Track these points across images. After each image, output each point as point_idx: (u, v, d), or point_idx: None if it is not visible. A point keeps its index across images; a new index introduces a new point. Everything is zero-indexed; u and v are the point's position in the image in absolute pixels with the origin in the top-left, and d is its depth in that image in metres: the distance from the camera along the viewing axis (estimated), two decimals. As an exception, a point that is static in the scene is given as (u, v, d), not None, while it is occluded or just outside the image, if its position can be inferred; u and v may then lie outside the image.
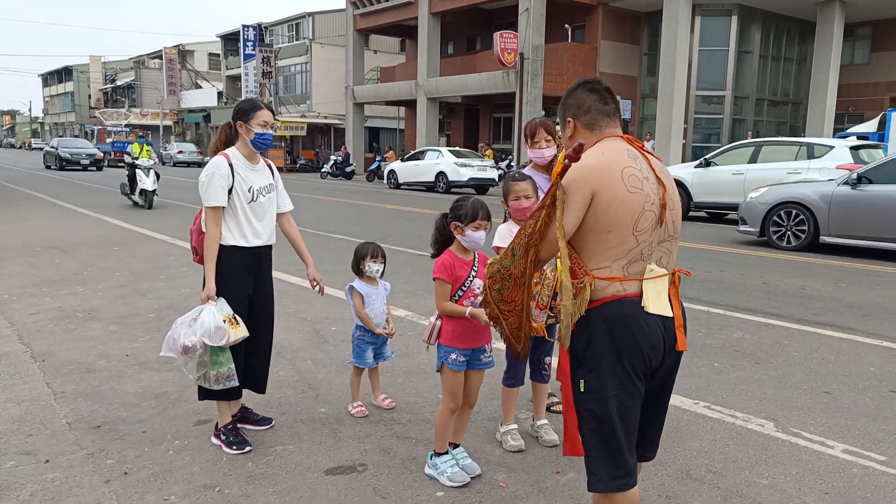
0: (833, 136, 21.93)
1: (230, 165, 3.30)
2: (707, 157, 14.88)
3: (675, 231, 2.12)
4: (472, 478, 3.07)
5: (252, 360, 3.48)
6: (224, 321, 3.18)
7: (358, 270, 3.86)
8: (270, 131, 3.41)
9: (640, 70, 29.23)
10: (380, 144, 40.67)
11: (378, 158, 30.20)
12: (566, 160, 1.95)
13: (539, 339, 3.31)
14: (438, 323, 3.08)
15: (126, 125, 48.96)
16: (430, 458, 3.13)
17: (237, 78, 46.63)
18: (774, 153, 13.61)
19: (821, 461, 3.27)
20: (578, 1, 27.03)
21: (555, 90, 26.36)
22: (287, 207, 3.67)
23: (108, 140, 43.95)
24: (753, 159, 13.71)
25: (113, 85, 62.60)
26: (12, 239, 10.04)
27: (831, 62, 25.64)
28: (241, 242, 3.35)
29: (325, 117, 39.21)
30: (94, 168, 32.93)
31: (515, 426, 3.48)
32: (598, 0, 27.27)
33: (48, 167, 33.67)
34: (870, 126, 18.16)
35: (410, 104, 33.21)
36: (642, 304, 2.02)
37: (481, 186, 22.22)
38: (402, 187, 24.01)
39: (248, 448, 3.32)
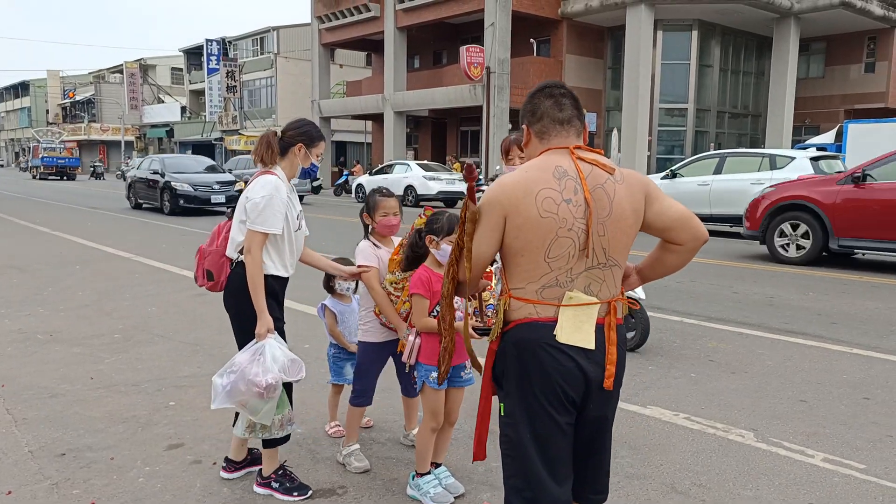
0: (791, 147, 22.49)
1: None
2: (673, 168, 15.11)
3: (607, 259, 1.96)
4: (455, 497, 3.00)
5: None
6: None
7: (329, 288, 3.78)
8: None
9: (605, 83, 29.67)
10: (347, 158, 40.51)
11: (345, 173, 30.04)
12: (466, 181, 1.97)
13: None
14: (417, 341, 3.01)
15: (60, 141, 48.03)
16: (413, 479, 3.05)
17: (201, 92, 46.11)
18: (738, 164, 13.88)
19: (802, 471, 3.28)
20: (543, 16, 27.36)
21: (521, 103, 26.35)
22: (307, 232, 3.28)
23: (40, 155, 42.56)
24: (718, 170, 13.95)
25: (72, 100, 61.34)
26: (-32, 258, 9.68)
27: (788, 76, 26.35)
28: (281, 272, 3.02)
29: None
30: (227, 207, 12.80)
31: (358, 446, 3.35)
32: (563, 15, 27.64)
33: (139, 206, 19.85)
34: (828, 137, 18.67)
35: (377, 118, 33.16)
36: (554, 333, 1.92)
37: (450, 199, 22.22)
38: (370, 201, 23.88)
39: (310, 492, 3.02)
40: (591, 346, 1.94)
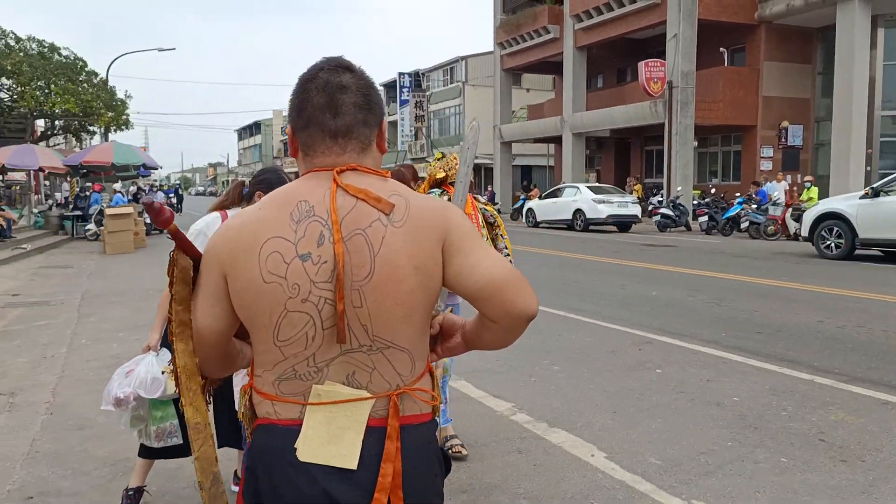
0: None
1: None
2: (876, 185, 12.76)
3: (371, 340, 1.33)
4: None
5: None
6: (163, 372, 2.99)
7: None
8: None
9: (814, 91, 26.32)
10: (531, 182, 40.25)
11: (522, 197, 29.72)
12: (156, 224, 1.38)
13: None
14: None
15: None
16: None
17: (396, 124, 48.72)
18: (962, 179, 11.33)
19: None
20: (736, 21, 25.01)
21: (708, 118, 24.48)
22: None
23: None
24: (935, 187, 11.50)
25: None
26: (139, 283, 10.74)
27: None
28: None
29: (476, 157, 39.58)
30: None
31: None
32: (760, 18, 25.05)
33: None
34: None
35: (559, 140, 32.54)
36: (295, 445, 1.32)
37: (622, 224, 20.94)
38: (540, 226, 23.30)
39: None
40: (352, 464, 1.31)
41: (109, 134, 27.08)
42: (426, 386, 1.45)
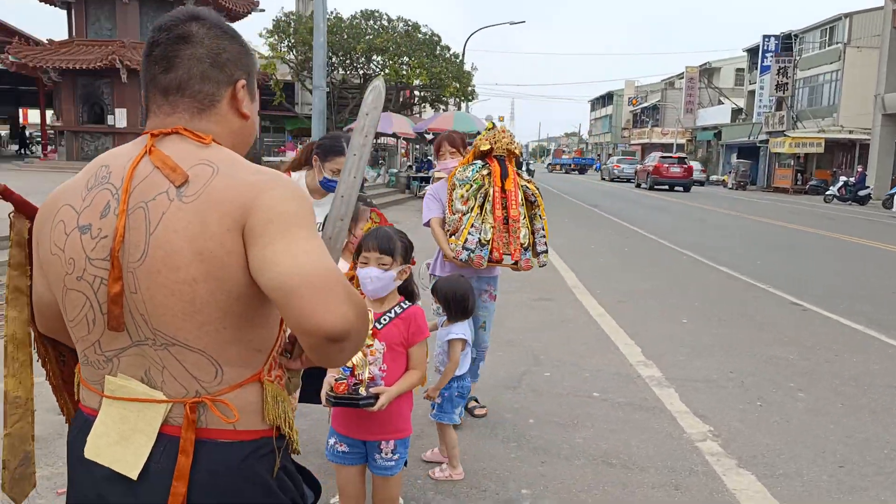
0: None
1: None
2: None
3: (154, 333, 1.15)
4: None
5: None
6: None
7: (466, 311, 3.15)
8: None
9: None
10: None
11: (902, 181, 24.48)
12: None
13: None
14: None
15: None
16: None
17: (755, 93, 44.00)
18: None
19: None
20: None
21: None
22: None
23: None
24: None
25: (641, 106, 66.57)
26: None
27: None
28: None
29: (850, 132, 33.67)
30: None
31: None
32: None
33: None
34: None
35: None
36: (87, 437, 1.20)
37: None
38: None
39: None
40: (133, 473, 1.16)
41: (462, 104, 29.65)
42: (239, 402, 1.20)
